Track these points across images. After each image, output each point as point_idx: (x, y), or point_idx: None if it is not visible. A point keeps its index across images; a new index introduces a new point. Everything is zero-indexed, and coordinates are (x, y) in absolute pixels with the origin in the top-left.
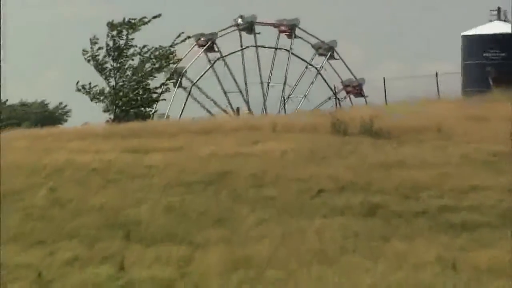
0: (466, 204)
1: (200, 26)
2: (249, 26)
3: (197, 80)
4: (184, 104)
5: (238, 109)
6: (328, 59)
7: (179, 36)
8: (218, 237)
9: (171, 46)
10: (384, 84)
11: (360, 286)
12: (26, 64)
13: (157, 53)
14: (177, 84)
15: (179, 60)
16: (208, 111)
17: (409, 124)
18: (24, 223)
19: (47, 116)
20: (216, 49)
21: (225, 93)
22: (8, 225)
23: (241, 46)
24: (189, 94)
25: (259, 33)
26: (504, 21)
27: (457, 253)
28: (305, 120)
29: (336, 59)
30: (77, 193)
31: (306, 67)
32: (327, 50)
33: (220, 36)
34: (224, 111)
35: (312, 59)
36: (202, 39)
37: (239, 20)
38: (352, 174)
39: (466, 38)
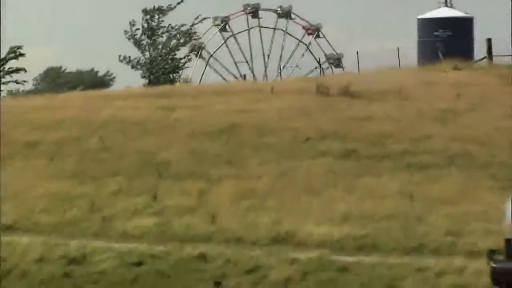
0: (421, 149)
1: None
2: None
3: (214, 53)
4: (203, 72)
5: (245, 76)
6: (315, 37)
7: (197, 17)
8: (229, 174)
9: (191, 26)
10: (358, 57)
11: (338, 212)
12: (80, 39)
13: (180, 30)
14: (198, 55)
15: (199, 37)
16: (222, 77)
17: (376, 87)
18: (79, 164)
19: (97, 81)
20: (229, 29)
21: (235, 63)
22: (67, 165)
23: (248, 27)
24: (207, 63)
25: (261, 18)
26: (450, 7)
27: (414, 187)
28: (296, 84)
29: (321, 37)
30: (120, 140)
31: (298, 44)
32: (314, 30)
33: (232, 19)
34: (235, 77)
35: (303, 37)
36: (218, 20)
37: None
38: (332, 126)
39: (421, 21)
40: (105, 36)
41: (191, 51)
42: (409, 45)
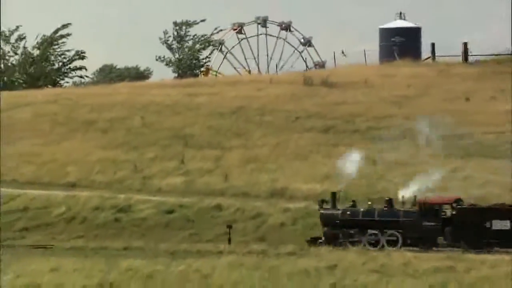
0: (382, 125)
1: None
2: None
3: (230, 49)
4: (220, 65)
5: (249, 70)
6: (307, 47)
7: (216, 29)
8: (237, 144)
9: (211, 35)
10: (334, 56)
11: (320, 172)
12: (125, 43)
13: (202, 38)
14: (219, 49)
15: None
16: (236, 70)
17: (348, 79)
18: (125, 136)
19: (139, 75)
20: (243, 32)
21: (245, 59)
22: (116, 138)
23: (257, 33)
24: (224, 57)
25: (268, 27)
26: (404, 20)
27: (376, 153)
28: (289, 77)
29: (311, 47)
30: (156, 119)
31: (294, 51)
32: (306, 41)
33: (246, 25)
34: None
35: (298, 46)
36: (235, 26)
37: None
38: (315, 108)
39: (382, 30)
40: (144, 41)
41: (210, 53)
42: (373, 48)
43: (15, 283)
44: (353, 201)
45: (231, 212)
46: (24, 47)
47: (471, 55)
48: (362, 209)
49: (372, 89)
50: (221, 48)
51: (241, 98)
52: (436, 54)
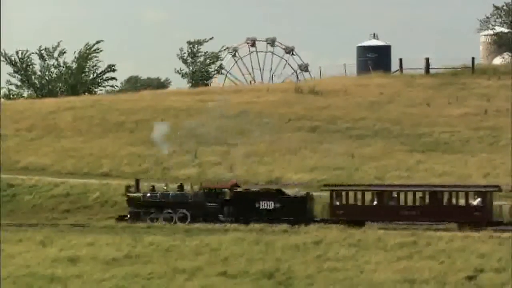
0: (358, 126)
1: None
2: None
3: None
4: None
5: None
6: (291, 55)
7: (223, 46)
8: (240, 141)
9: (218, 52)
10: (320, 70)
11: (307, 165)
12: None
13: (211, 54)
14: (233, 54)
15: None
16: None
17: (331, 88)
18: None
19: (160, 84)
20: (254, 47)
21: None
22: (141, 136)
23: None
24: (235, 63)
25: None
26: (377, 39)
27: (354, 149)
28: (282, 86)
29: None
30: (174, 120)
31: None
32: (289, 49)
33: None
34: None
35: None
36: (231, 49)
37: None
38: (304, 112)
39: (359, 47)
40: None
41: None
42: (351, 62)
43: (59, 255)
44: (153, 186)
45: None
46: (65, 62)
47: (432, 68)
48: (159, 193)
49: (350, 96)
50: (234, 54)
51: (244, 104)
52: (403, 68)
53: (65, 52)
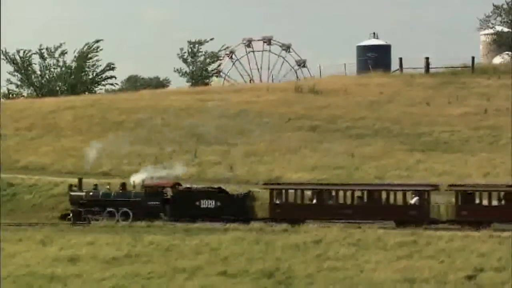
0: (358, 125)
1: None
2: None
3: (241, 57)
4: (225, 76)
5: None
6: (288, 52)
7: (222, 46)
8: (240, 141)
9: (218, 51)
10: (320, 69)
11: (308, 164)
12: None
13: (211, 54)
14: (230, 56)
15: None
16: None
17: (331, 87)
18: (148, 134)
19: (159, 84)
20: (251, 47)
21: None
22: (141, 135)
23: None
24: (233, 64)
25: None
26: (376, 39)
27: (354, 149)
28: (282, 85)
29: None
30: (174, 119)
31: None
32: (286, 47)
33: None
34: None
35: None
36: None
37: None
38: (304, 111)
39: (359, 47)
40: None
41: (218, 66)
42: (351, 62)
43: (59, 254)
44: (95, 185)
45: None
46: (64, 61)
47: (432, 68)
48: (101, 191)
49: (350, 96)
50: (231, 56)
51: (243, 103)
52: (403, 67)
53: (66, 53)
